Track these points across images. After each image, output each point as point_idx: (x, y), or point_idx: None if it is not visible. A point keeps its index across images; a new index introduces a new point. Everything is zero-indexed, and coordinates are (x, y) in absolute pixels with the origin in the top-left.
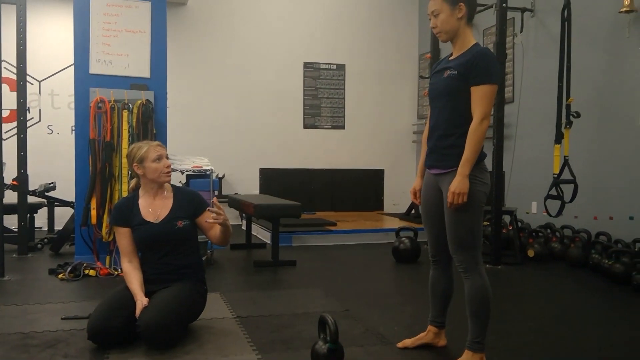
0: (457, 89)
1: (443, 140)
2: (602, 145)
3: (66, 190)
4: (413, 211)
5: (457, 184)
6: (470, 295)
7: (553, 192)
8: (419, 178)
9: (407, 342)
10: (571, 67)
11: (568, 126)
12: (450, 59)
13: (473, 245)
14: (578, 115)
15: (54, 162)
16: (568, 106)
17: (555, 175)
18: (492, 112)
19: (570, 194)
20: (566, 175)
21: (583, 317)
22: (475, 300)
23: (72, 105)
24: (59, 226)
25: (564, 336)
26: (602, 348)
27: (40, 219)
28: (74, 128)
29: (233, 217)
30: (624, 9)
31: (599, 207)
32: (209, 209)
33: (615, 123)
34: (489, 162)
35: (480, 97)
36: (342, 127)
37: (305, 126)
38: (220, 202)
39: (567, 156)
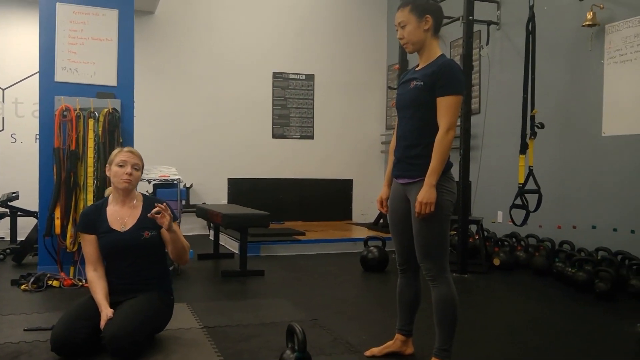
0: (423, 99)
1: (410, 150)
2: (566, 156)
3: (29, 199)
4: (381, 221)
5: (425, 194)
6: (437, 303)
7: (518, 201)
8: (386, 187)
9: (375, 350)
10: (535, 79)
11: (532, 137)
12: (416, 69)
13: (440, 254)
14: (542, 126)
15: (17, 171)
16: (532, 117)
17: (520, 185)
18: (457, 123)
19: (534, 204)
20: (531, 185)
21: (547, 324)
22: (442, 309)
23: (37, 114)
24: (21, 236)
25: (529, 343)
26: (566, 355)
27: (3, 229)
28: (38, 137)
29: (201, 227)
30: (587, 23)
31: (562, 217)
32: (156, 204)
33: (578, 134)
34: (455, 172)
35: (445, 107)
36: (311, 137)
37: (274, 136)
38: (187, 211)
39: (532, 166)
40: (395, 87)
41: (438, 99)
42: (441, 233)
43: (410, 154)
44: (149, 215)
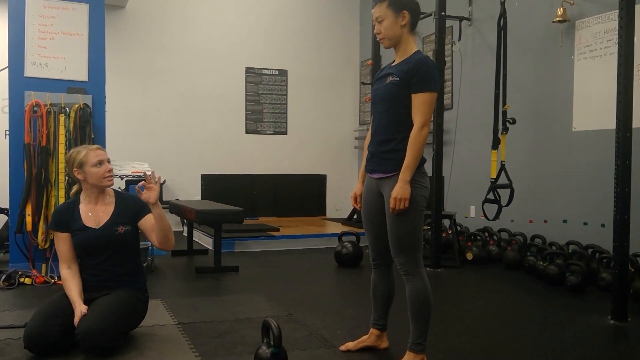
0: (398, 95)
1: (384, 145)
2: (537, 151)
3: None
4: (355, 216)
5: (399, 190)
6: (411, 297)
7: (490, 196)
8: (359, 183)
9: (350, 345)
10: (507, 74)
11: (504, 132)
12: (392, 65)
13: (414, 249)
14: (514, 121)
15: None
16: (504, 113)
17: (493, 180)
18: (431, 119)
19: (507, 198)
20: (503, 180)
21: (519, 317)
22: (416, 303)
23: (6, 109)
24: None
25: (502, 336)
26: (538, 347)
27: None
28: (7, 132)
29: (174, 223)
30: (557, 19)
31: (534, 211)
32: (144, 172)
33: (550, 129)
34: (428, 167)
35: (420, 104)
36: (285, 133)
37: (248, 131)
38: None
39: (504, 161)
40: (369, 82)
41: (413, 95)
42: (415, 228)
43: (384, 148)
44: (136, 187)
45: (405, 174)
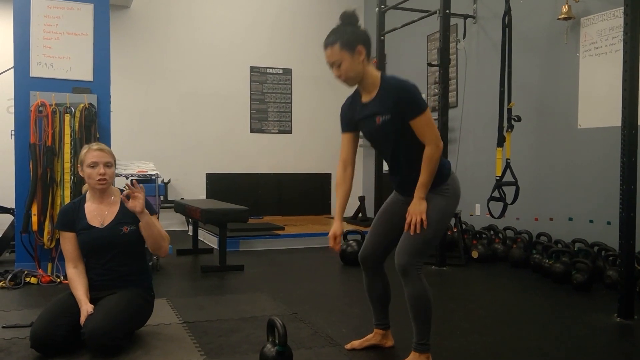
0: (399, 131)
1: (412, 175)
2: (543, 149)
3: (5, 196)
4: (360, 215)
5: (415, 207)
6: (411, 300)
7: (495, 194)
8: (337, 222)
9: (355, 343)
10: (512, 72)
11: (509, 130)
12: (367, 101)
13: (421, 254)
14: (519, 119)
15: None
16: (509, 110)
17: (498, 178)
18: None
19: (512, 196)
20: (508, 177)
21: (525, 315)
22: (417, 305)
23: (12, 110)
24: None
25: (507, 335)
26: (544, 346)
27: None
28: (13, 133)
29: (179, 223)
30: (562, 16)
31: (539, 209)
32: (126, 184)
33: (555, 127)
34: None
35: (422, 126)
36: (289, 132)
37: (252, 131)
38: (166, 207)
39: (509, 159)
40: None
41: (411, 122)
42: (434, 235)
43: (413, 177)
44: (121, 196)
45: (420, 191)
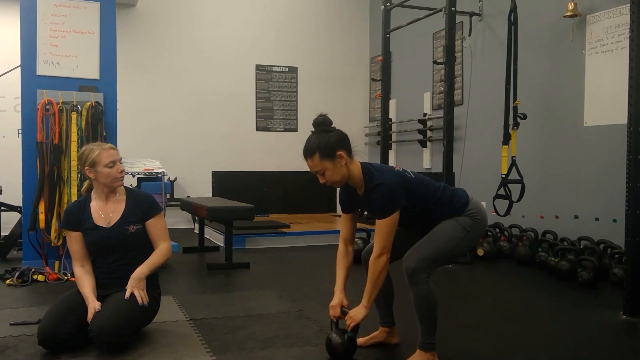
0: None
1: (427, 220)
2: (548, 146)
3: (12, 195)
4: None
5: (355, 311)
6: (417, 303)
7: (501, 192)
8: (338, 294)
9: (361, 340)
10: (518, 70)
11: (515, 127)
12: (361, 195)
13: (434, 262)
14: (525, 116)
15: (0, 166)
16: (515, 108)
17: (503, 176)
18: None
19: (517, 194)
20: (514, 175)
21: (531, 313)
22: (422, 308)
23: (19, 108)
24: (5, 231)
25: (513, 332)
26: (550, 343)
27: None
28: (20, 131)
29: (185, 221)
30: (568, 14)
31: (545, 207)
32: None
33: (561, 124)
34: (438, 164)
35: (378, 229)
36: (295, 130)
37: (258, 129)
38: (172, 205)
39: (515, 157)
40: (379, 79)
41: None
42: (455, 248)
43: (430, 219)
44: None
45: (364, 299)
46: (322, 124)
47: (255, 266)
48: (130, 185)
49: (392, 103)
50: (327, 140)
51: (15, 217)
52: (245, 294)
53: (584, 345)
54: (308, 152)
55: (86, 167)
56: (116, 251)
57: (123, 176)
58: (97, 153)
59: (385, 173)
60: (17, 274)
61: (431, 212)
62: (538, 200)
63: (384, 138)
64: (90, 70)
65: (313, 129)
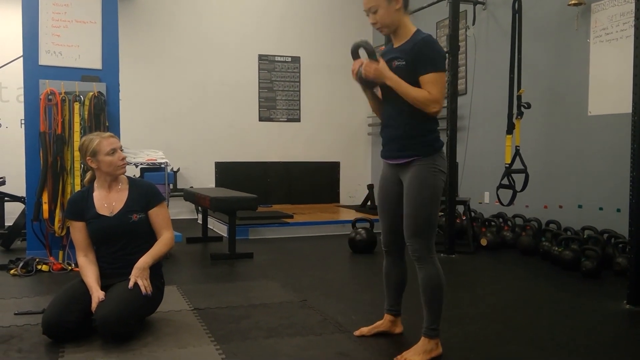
0: (406, 80)
1: (400, 131)
2: (552, 136)
3: (16, 185)
4: (369, 203)
5: (381, 66)
6: (424, 284)
7: (505, 181)
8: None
9: (364, 330)
10: (522, 59)
11: (519, 117)
12: (394, 47)
13: (428, 234)
14: (529, 106)
15: (3, 157)
16: (519, 97)
17: (507, 165)
18: (444, 104)
19: (521, 184)
20: (517, 165)
21: (534, 303)
22: (429, 289)
23: (21, 98)
24: (9, 222)
25: (516, 322)
26: (553, 332)
27: None
28: (23, 121)
29: (189, 211)
30: (573, 2)
31: (549, 196)
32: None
33: (565, 114)
34: None
35: (428, 83)
36: (298, 120)
37: (261, 119)
38: (175, 195)
39: (519, 146)
40: None
41: (420, 78)
42: (432, 213)
43: (401, 134)
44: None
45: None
46: None
47: (258, 256)
48: (134, 175)
49: None
50: None
51: (19, 207)
52: (249, 284)
53: (587, 334)
54: None
55: (87, 157)
56: (119, 240)
57: (125, 163)
58: (97, 142)
59: None
60: (21, 264)
61: (408, 117)
62: (542, 189)
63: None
64: (92, 60)
65: None
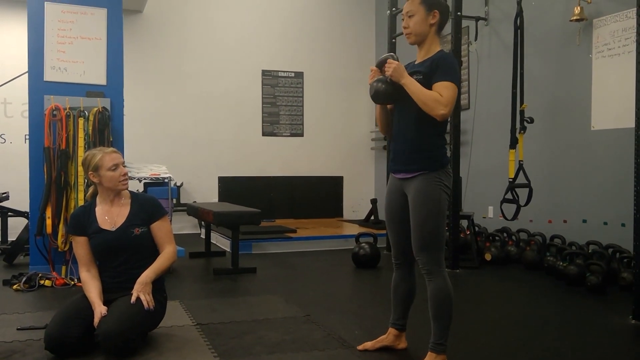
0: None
1: (408, 145)
2: (556, 150)
3: (20, 200)
4: (372, 217)
5: (399, 68)
6: (433, 297)
7: (509, 196)
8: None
9: (368, 344)
10: (524, 74)
11: (522, 131)
12: (415, 63)
13: (436, 248)
14: (532, 120)
15: (7, 172)
16: (522, 112)
17: (511, 180)
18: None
19: (525, 198)
20: (521, 179)
21: (539, 318)
22: (438, 302)
23: (26, 114)
24: (12, 237)
25: (521, 337)
26: (558, 348)
27: None
28: (27, 137)
29: (192, 226)
30: (575, 18)
31: (553, 211)
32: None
33: (568, 128)
34: None
35: (442, 88)
36: (301, 135)
37: (264, 134)
38: (178, 210)
39: (522, 161)
40: None
41: (434, 85)
42: (438, 227)
43: (408, 148)
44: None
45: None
46: None
47: (261, 271)
48: (137, 190)
49: None
50: None
51: (22, 222)
52: (252, 299)
53: (592, 350)
54: None
55: (90, 172)
56: (121, 254)
57: (127, 179)
58: (99, 157)
59: None
60: (24, 279)
61: (419, 130)
62: (546, 204)
63: (390, 143)
64: (97, 76)
65: None
